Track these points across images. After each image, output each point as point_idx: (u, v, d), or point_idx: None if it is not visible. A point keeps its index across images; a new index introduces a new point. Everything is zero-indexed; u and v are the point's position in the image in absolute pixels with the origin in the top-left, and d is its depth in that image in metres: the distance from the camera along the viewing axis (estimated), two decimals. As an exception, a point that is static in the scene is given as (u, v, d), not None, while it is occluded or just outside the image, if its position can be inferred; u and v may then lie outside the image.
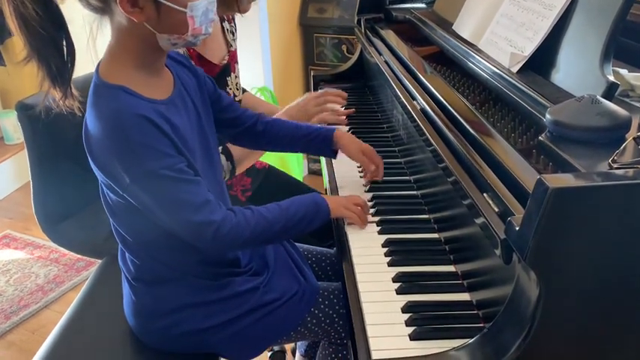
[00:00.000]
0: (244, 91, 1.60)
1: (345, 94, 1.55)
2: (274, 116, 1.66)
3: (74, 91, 0.97)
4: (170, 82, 1.02)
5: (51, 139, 1.57)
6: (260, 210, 1.04)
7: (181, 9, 0.92)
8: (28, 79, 3.07)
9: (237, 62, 1.48)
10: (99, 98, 0.93)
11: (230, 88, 1.43)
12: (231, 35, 1.46)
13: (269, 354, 1.75)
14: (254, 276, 1.13)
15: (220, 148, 1.36)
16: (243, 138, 1.26)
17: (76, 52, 0.95)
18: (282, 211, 1.05)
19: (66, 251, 2.40)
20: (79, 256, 2.41)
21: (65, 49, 0.93)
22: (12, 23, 0.89)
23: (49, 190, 1.61)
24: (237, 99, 1.46)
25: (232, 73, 1.44)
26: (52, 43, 0.91)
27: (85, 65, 1.05)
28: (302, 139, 1.26)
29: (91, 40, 0.96)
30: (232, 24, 1.48)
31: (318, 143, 1.26)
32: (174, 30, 0.93)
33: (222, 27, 1.44)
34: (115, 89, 0.92)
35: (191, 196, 0.95)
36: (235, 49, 1.47)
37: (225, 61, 1.40)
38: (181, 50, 1.26)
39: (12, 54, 3.06)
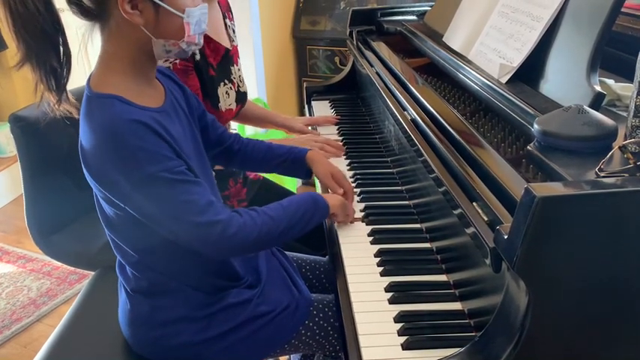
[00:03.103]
0: None
1: (343, 150, 1.54)
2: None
3: (70, 95, 0.96)
4: (161, 92, 1.03)
5: (44, 152, 1.57)
6: (264, 210, 1.04)
7: (179, 14, 0.93)
8: (20, 92, 3.08)
9: (239, 57, 1.54)
10: (92, 109, 0.93)
11: (234, 77, 1.48)
12: (232, 32, 1.53)
13: (263, 366, 1.74)
14: (248, 288, 1.13)
15: None
16: (221, 157, 1.26)
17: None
18: (285, 209, 1.05)
19: (58, 264, 2.40)
20: (71, 269, 2.40)
21: (62, 51, 0.93)
22: (9, 24, 0.88)
23: (42, 202, 1.61)
24: (241, 90, 1.51)
25: (235, 65, 1.49)
26: (50, 45, 0.91)
27: (77, 78, 1.05)
28: (275, 160, 1.27)
29: (83, 48, 0.96)
30: (232, 22, 1.55)
31: (290, 163, 1.27)
32: (171, 35, 0.94)
33: (225, 23, 1.50)
34: (108, 99, 0.92)
35: (194, 198, 0.94)
36: (237, 45, 1.53)
37: (230, 48, 1.46)
38: None
39: (4, 66, 3.06)
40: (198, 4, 0.96)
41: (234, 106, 1.48)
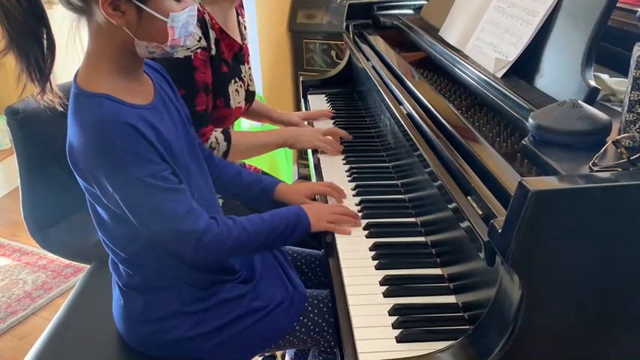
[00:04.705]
0: None
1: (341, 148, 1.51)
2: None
3: (54, 86, 0.95)
4: (150, 87, 1.02)
5: (40, 145, 1.56)
6: (242, 222, 1.04)
7: (163, 18, 0.92)
8: (15, 84, 3.06)
9: (249, 55, 1.54)
10: (81, 108, 0.93)
11: (244, 76, 1.47)
12: (244, 29, 1.52)
13: (260, 359, 1.75)
14: (242, 283, 1.13)
15: (220, 129, 1.40)
16: None
17: (60, 59, 0.95)
18: (265, 225, 1.05)
19: (54, 257, 2.40)
20: (67, 262, 2.39)
21: (46, 43, 0.92)
22: None
23: (38, 195, 1.60)
24: (250, 89, 1.51)
25: (246, 64, 1.49)
26: (32, 37, 0.91)
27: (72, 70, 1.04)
28: (242, 187, 1.26)
29: (72, 40, 0.96)
30: (244, 19, 1.54)
31: (257, 193, 1.25)
32: (154, 38, 0.93)
33: (238, 20, 1.50)
34: (97, 97, 0.92)
35: (174, 205, 0.95)
36: (247, 43, 1.53)
37: (243, 46, 1.46)
38: (207, 18, 1.32)
39: None
40: (187, 7, 0.95)
41: (243, 104, 1.48)
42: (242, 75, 1.46)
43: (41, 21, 0.91)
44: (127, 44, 0.93)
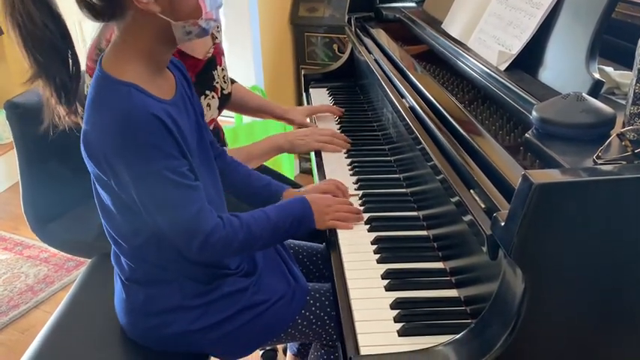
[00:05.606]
0: (233, 82, 1.58)
1: (350, 143, 1.47)
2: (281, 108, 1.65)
3: (79, 108, 0.96)
4: (172, 83, 1.03)
5: (40, 139, 1.56)
6: (249, 222, 1.04)
7: None
8: (16, 78, 3.05)
9: (223, 55, 1.45)
10: (107, 93, 0.92)
11: (217, 82, 1.40)
12: (216, 27, 1.44)
13: (260, 352, 1.75)
14: (244, 277, 1.13)
15: None
16: None
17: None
18: (270, 224, 1.05)
19: (56, 251, 2.39)
20: (69, 255, 2.40)
21: (70, 60, 0.93)
22: (19, 43, 0.89)
23: (39, 189, 1.60)
24: (225, 92, 1.45)
25: (218, 66, 1.41)
26: (58, 57, 0.91)
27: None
28: (250, 189, 1.26)
29: (84, 48, 0.96)
30: None
31: (265, 197, 1.25)
32: (188, 15, 0.93)
33: None
34: (125, 86, 0.91)
35: (188, 202, 0.95)
36: (220, 42, 1.45)
37: (209, 55, 1.38)
38: None
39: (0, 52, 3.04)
40: None
41: (215, 114, 1.42)
42: (214, 82, 1.39)
43: (67, 42, 0.91)
44: (163, 31, 0.93)
